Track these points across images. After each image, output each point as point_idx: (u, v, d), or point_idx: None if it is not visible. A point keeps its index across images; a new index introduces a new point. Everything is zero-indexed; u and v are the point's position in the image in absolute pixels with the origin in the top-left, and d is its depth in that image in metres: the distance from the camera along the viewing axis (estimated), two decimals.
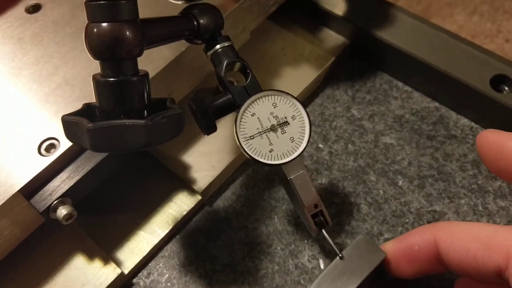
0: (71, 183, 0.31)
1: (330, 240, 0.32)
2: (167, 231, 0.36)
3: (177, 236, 0.36)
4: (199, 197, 0.37)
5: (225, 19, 0.32)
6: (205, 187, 0.37)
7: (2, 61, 0.36)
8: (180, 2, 0.33)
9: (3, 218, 0.30)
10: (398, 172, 0.38)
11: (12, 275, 0.34)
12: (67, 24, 0.37)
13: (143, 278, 0.35)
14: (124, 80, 0.26)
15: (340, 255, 0.31)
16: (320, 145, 0.40)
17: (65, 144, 0.31)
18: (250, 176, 0.39)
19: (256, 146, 0.30)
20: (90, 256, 0.34)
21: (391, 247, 0.31)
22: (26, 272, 0.34)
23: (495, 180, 0.37)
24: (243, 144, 0.30)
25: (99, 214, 0.37)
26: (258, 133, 0.30)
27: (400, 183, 0.37)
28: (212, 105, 0.30)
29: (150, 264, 0.35)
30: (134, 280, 0.35)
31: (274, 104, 0.30)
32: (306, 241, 0.35)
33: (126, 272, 0.34)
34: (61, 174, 0.32)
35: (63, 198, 0.31)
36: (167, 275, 0.35)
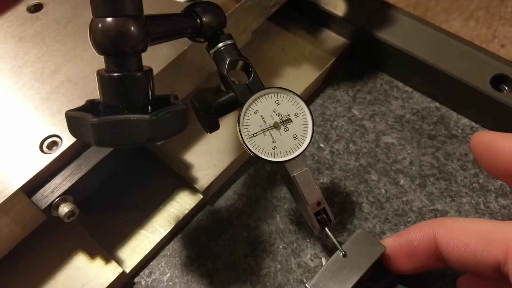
0: (73, 180, 0.31)
1: (333, 238, 0.32)
2: (168, 230, 0.35)
3: (179, 235, 0.36)
4: (201, 196, 0.37)
5: (226, 18, 0.32)
6: (207, 186, 0.37)
7: (3, 59, 0.36)
8: (182, 0, 0.33)
9: (3, 216, 0.30)
10: (399, 171, 0.38)
11: (12, 273, 0.34)
12: (69, 23, 0.37)
13: (145, 277, 0.34)
14: (128, 75, 0.26)
15: (343, 252, 0.31)
16: (322, 145, 0.40)
17: (67, 141, 0.31)
18: (251, 175, 0.39)
19: (259, 144, 0.30)
20: (91, 255, 0.34)
21: (391, 242, 0.31)
22: (26, 271, 0.34)
23: (496, 179, 0.37)
24: (246, 141, 0.30)
25: (100, 213, 0.36)
26: (261, 130, 0.30)
27: (401, 182, 0.37)
28: (215, 102, 0.30)
29: (151, 263, 0.35)
30: (136, 279, 0.34)
31: (277, 102, 0.30)
32: (308, 240, 0.35)
33: (127, 271, 0.34)
34: (63, 172, 0.31)
35: (65, 196, 0.31)
36: (168, 274, 0.34)
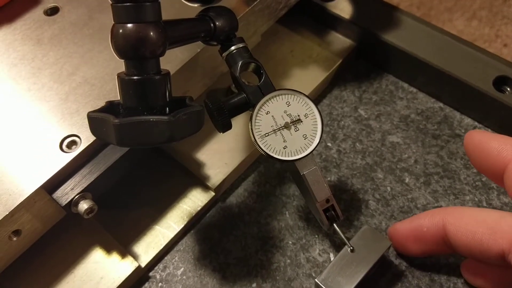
0: (91, 178, 0.32)
1: (341, 234, 0.33)
2: (182, 226, 0.37)
3: (192, 231, 0.37)
4: (213, 194, 0.38)
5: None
6: (218, 183, 0.38)
7: (22, 61, 0.37)
8: (196, 5, 0.34)
9: (25, 212, 0.31)
10: (404, 170, 0.39)
11: (32, 268, 0.35)
12: (85, 26, 0.39)
13: (159, 271, 0.36)
14: (147, 78, 0.27)
15: (351, 248, 0.32)
16: (329, 144, 0.41)
17: (86, 141, 0.32)
18: (261, 173, 0.40)
19: (271, 143, 0.31)
20: (108, 250, 0.36)
21: (402, 227, 0.33)
22: (45, 265, 0.35)
23: None
24: (258, 141, 0.31)
25: (117, 210, 0.38)
26: (273, 130, 0.31)
27: (406, 180, 0.39)
28: (228, 103, 0.31)
29: (166, 257, 0.36)
30: (151, 273, 0.36)
31: (288, 103, 0.32)
32: (316, 236, 0.36)
33: (143, 265, 0.35)
34: (82, 170, 0.33)
35: (84, 193, 0.32)
36: (182, 269, 0.36)
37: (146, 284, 0.35)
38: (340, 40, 0.46)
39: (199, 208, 0.38)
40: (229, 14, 0.32)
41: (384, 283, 0.34)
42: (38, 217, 0.32)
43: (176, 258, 0.36)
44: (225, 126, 0.32)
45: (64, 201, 0.32)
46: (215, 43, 0.33)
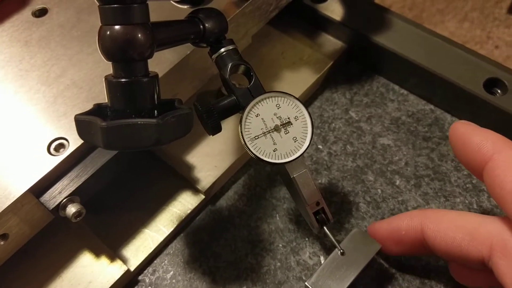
0: (79, 182, 0.32)
1: (331, 236, 0.33)
2: (171, 229, 0.37)
3: (181, 234, 0.37)
4: (203, 196, 0.38)
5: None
6: (208, 186, 0.38)
7: (10, 63, 0.36)
8: (185, 7, 0.34)
9: (13, 215, 0.30)
10: (395, 172, 0.39)
11: (19, 272, 0.35)
12: (73, 27, 0.38)
13: (149, 275, 0.36)
14: (135, 80, 0.27)
15: (341, 250, 0.32)
16: (320, 146, 0.41)
17: (74, 144, 0.32)
18: (252, 176, 0.40)
19: (261, 146, 0.31)
20: (97, 254, 0.35)
21: (380, 227, 0.33)
22: (33, 269, 0.35)
23: None
24: (248, 144, 0.31)
25: (105, 213, 0.37)
26: (262, 133, 0.31)
27: (397, 182, 0.39)
28: (218, 106, 0.31)
29: (155, 261, 0.36)
30: (140, 277, 0.35)
31: (278, 105, 0.32)
32: (307, 239, 0.36)
33: (132, 269, 0.35)
34: (70, 173, 0.32)
35: (72, 197, 0.32)
36: (172, 272, 0.35)
37: None
38: (331, 42, 0.46)
39: (189, 211, 0.37)
40: (219, 16, 0.32)
41: (375, 286, 0.34)
42: (25, 220, 0.32)
43: (166, 261, 0.36)
44: (215, 129, 0.31)
45: (51, 204, 0.31)
46: (204, 45, 0.33)
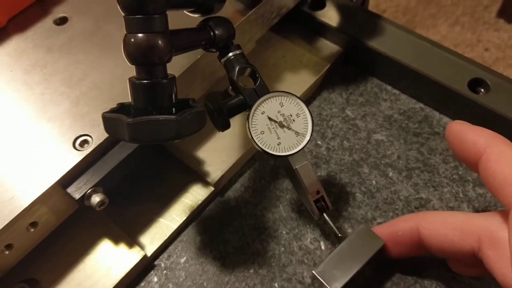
0: (102, 174, 0.35)
1: (330, 222, 0.36)
2: (184, 218, 0.40)
3: (193, 223, 0.40)
4: (212, 189, 0.41)
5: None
6: (217, 179, 0.41)
7: (35, 68, 0.40)
8: (197, 16, 0.37)
9: (42, 205, 0.34)
10: (388, 165, 0.43)
11: (46, 257, 0.38)
12: (93, 35, 0.42)
13: (164, 260, 0.39)
14: (156, 82, 0.30)
15: (339, 235, 0.35)
16: (319, 142, 0.44)
17: (97, 140, 0.35)
18: (257, 169, 0.43)
19: (266, 140, 0.34)
20: (116, 241, 0.38)
21: (380, 231, 0.36)
22: (59, 255, 0.38)
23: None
24: (255, 138, 0.34)
25: (124, 204, 0.41)
26: (268, 129, 0.34)
27: (390, 174, 0.42)
28: (227, 104, 0.34)
29: (170, 247, 0.39)
30: (156, 262, 0.39)
31: (281, 104, 0.35)
32: (308, 226, 0.40)
33: (148, 254, 0.38)
34: (93, 167, 0.35)
35: (96, 187, 0.35)
36: (185, 257, 0.39)
37: (152, 272, 0.38)
38: (328, 46, 0.50)
39: (199, 202, 0.41)
40: (227, 23, 0.35)
41: (376, 280, 0.37)
42: (53, 210, 0.35)
43: (179, 247, 0.39)
44: (224, 126, 0.35)
45: (78, 195, 0.34)
46: (214, 50, 0.36)
